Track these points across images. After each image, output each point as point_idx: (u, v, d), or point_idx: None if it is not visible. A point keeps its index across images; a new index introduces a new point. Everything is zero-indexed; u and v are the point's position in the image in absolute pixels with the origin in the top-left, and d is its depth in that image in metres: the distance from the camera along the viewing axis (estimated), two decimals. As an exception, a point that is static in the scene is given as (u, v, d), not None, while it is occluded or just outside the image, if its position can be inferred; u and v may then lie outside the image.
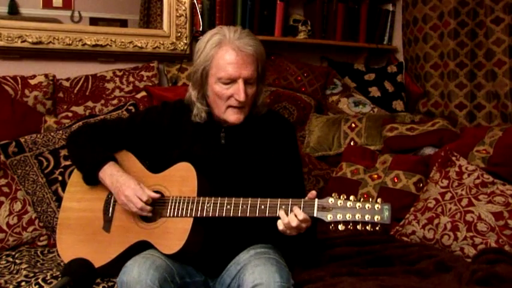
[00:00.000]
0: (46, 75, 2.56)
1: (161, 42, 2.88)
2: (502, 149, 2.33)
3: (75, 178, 1.93)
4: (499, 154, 2.32)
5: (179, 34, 2.91)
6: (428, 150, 2.65)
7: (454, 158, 2.31)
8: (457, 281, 1.72)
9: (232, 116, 1.74)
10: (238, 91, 1.69)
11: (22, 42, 2.58)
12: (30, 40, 2.59)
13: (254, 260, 1.64)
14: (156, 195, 1.73)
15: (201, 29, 2.91)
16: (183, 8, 2.90)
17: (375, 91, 3.28)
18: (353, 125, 2.92)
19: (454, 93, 2.97)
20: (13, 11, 2.66)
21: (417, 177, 2.47)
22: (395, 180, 2.49)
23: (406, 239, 2.22)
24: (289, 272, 1.66)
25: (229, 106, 1.73)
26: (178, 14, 2.90)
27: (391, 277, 1.76)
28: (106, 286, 1.77)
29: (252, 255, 1.69)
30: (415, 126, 2.75)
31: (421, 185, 2.44)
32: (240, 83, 1.69)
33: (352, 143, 2.86)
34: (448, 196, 2.19)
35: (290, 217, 1.57)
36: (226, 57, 1.69)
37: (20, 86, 2.48)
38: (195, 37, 2.90)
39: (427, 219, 2.17)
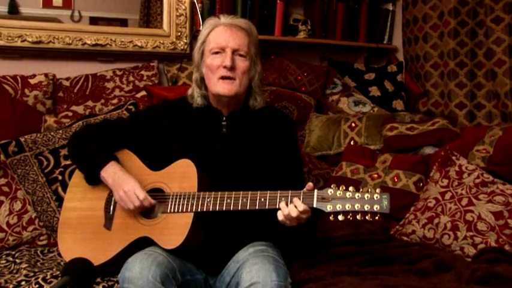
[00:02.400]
0: (46, 75, 2.56)
1: (161, 42, 2.88)
2: (502, 149, 2.33)
3: (76, 179, 1.94)
4: (499, 153, 2.32)
5: (179, 34, 2.91)
6: (428, 150, 2.65)
7: (454, 158, 2.31)
8: (457, 281, 1.72)
9: (223, 88, 1.77)
10: (225, 58, 1.75)
11: (22, 41, 2.58)
12: (30, 39, 2.59)
13: (252, 258, 1.64)
14: (153, 202, 1.74)
15: (200, 28, 2.91)
16: (183, 7, 2.90)
17: (375, 90, 3.28)
18: (353, 124, 2.92)
19: (454, 93, 2.97)
20: (13, 11, 2.66)
21: (417, 177, 2.47)
22: (395, 180, 2.49)
23: (406, 238, 2.22)
24: (287, 271, 1.66)
25: (220, 78, 1.77)
26: (178, 14, 2.90)
27: (391, 277, 1.76)
28: (106, 285, 1.77)
29: (251, 253, 1.70)
30: (415, 126, 2.75)
31: (421, 184, 2.44)
32: (228, 51, 1.76)
33: (352, 143, 2.86)
34: (448, 195, 2.19)
35: (290, 208, 1.58)
36: (218, 31, 1.80)
37: (20, 85, 2.48)
38: (195, 36, 2.90)
39: (427, 219, 2.17)
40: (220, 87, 1.77)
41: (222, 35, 1.77)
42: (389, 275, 1.78)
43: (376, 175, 2.56)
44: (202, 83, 1.85)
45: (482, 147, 2.42)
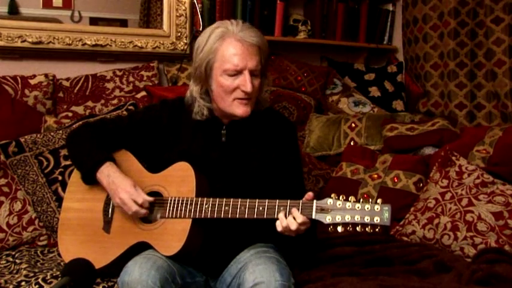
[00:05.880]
0: (46, 75, 2.56)
1: (161, 42, 2.88)
2: (502, 149, 2.33)
3: (75, 178, 1.92)
4: (499, 154, 2.32)
5: (179, 34, 2.91)
6: (428, 150, 2.65)
7: (454, 158, 2.31)
8: (457, 281, 1.72)
9: (240, 109, 1.70)
10: (245, 82, 1.66)
11: (22, 42, 2.58)
12: (30, 40, 2.59)
13: (255, 259, 1.64)
14: (151, 199, 1.72)
15: (201, 28, 2.91)
16: (183, 7, 2.90)
17: (374, 91, 3.29)
18: (353, 124, 2.92)
19: (454, 93, 2.97)
20: (13, 11, 2.66)
21: (417, 177, 2.47)
22: (395, 180, 2.49)
23: (406, 238, 2.22)
24: (289, 271, 1.65)
25: (236, 98, 1.70)
26: (178, 14, 2.90)
27: (391, 277, 1.76)
28: (106, 286, 1.77)
29: (253, 254, 1.69)
30: (415, 126, 2.75)
31: (421, 184, 2.44)
32: (246, 74, 1.67)
33: (352, 143, 2.86)
34: (448, 196, 2.19)
35: (289, 220, 1.55)
36: (231, 49, 1.67)
37: (20, 85, 2.48)
38: (195, 37, 2.90)
39: (427, 219, 2.17)
40: (237, 109, 1.70)
41: (239, 56, 1.66)
42: (389, 275, 1.78)
43: (376, 175, 2.56)
44: (207, 95, 1.78)
45: (482, 147, 2.42)
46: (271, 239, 1.78)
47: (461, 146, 2.46)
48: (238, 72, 1.68)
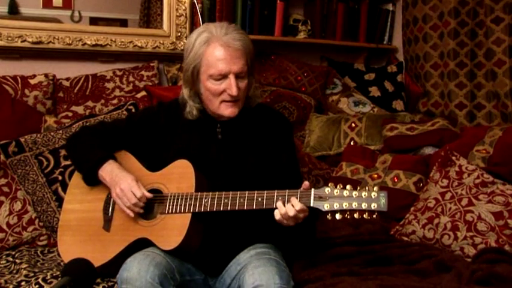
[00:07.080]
0: (46, 75, 2.56)
1: (161, 42, 2.88)
2: (502, 149, 2.33)
3: (76, 180, 1.94)
4: (499, 154, 2.32)
5: (179, 34, 2.91)
6: (428, 150, 2.65)
7: (454, 158, 2.31)
8: (457, 281, 1.72)
9: (227, 110, 1.75)
10: (231, 86, 1.70)
11: (22, 42, 2.58)
12: (30, 40, 2.59)
13: (254, 261, 1.64)
14: (150, 195, 1.74)
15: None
16: (183, 7, 2.90)
17: (375, 91, 3.28)
18: (353, 124, 2.92)
19: (454, 93, 2.97)
20: (13, 11, 2.66)
21: (417, 177, 2.47)
22: (395, 180, 2.49)
23: (406, 238, 2.22)
24: (289, 274, 1.66)
25: (223, 101, 1.74)
26: (178, 14, 2.90)
27: (391, 277, 1.76)
28: (106, 286, 1.77)
29: (253, 255, 1.69)
30: (415, 126, 2.75)
31: (421, 184, 2.44)
32: (231, 78, 1.70)
33: (352, 143, 2.87)
34: (448, 196, 2.19)
35: (287, 207, 1.57)
36: (215, 54, 1.70)
37: (20, 85, 2.48)
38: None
39: (427, 219, 2.17)
40: (224, 110, 1.75)
41: (223, 60, 1.69)
42: (389, 275, 1.78)
43: (376, 175, 2.56)
44: (196, 97, 1.82)
45: (482, 147, 2.42)
46: (271, 237, 1.79)
47: (461, 146, 2.46)
48: (223, 77, 1.71)
